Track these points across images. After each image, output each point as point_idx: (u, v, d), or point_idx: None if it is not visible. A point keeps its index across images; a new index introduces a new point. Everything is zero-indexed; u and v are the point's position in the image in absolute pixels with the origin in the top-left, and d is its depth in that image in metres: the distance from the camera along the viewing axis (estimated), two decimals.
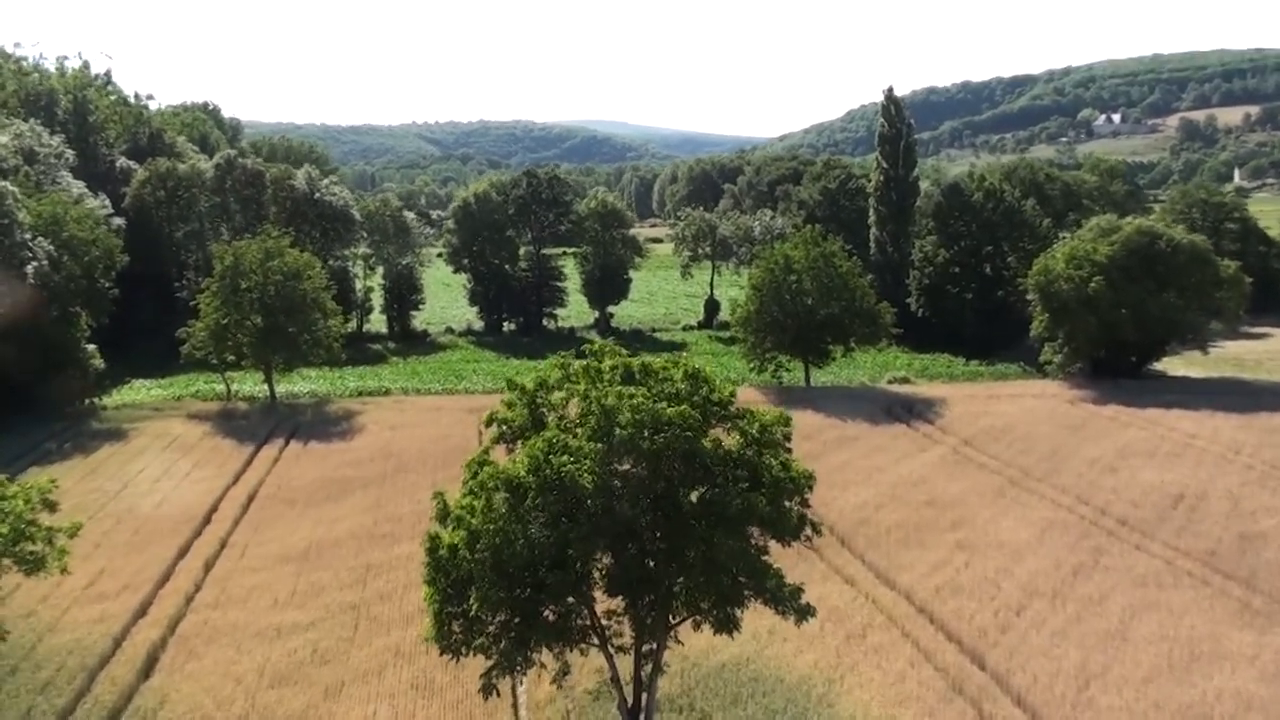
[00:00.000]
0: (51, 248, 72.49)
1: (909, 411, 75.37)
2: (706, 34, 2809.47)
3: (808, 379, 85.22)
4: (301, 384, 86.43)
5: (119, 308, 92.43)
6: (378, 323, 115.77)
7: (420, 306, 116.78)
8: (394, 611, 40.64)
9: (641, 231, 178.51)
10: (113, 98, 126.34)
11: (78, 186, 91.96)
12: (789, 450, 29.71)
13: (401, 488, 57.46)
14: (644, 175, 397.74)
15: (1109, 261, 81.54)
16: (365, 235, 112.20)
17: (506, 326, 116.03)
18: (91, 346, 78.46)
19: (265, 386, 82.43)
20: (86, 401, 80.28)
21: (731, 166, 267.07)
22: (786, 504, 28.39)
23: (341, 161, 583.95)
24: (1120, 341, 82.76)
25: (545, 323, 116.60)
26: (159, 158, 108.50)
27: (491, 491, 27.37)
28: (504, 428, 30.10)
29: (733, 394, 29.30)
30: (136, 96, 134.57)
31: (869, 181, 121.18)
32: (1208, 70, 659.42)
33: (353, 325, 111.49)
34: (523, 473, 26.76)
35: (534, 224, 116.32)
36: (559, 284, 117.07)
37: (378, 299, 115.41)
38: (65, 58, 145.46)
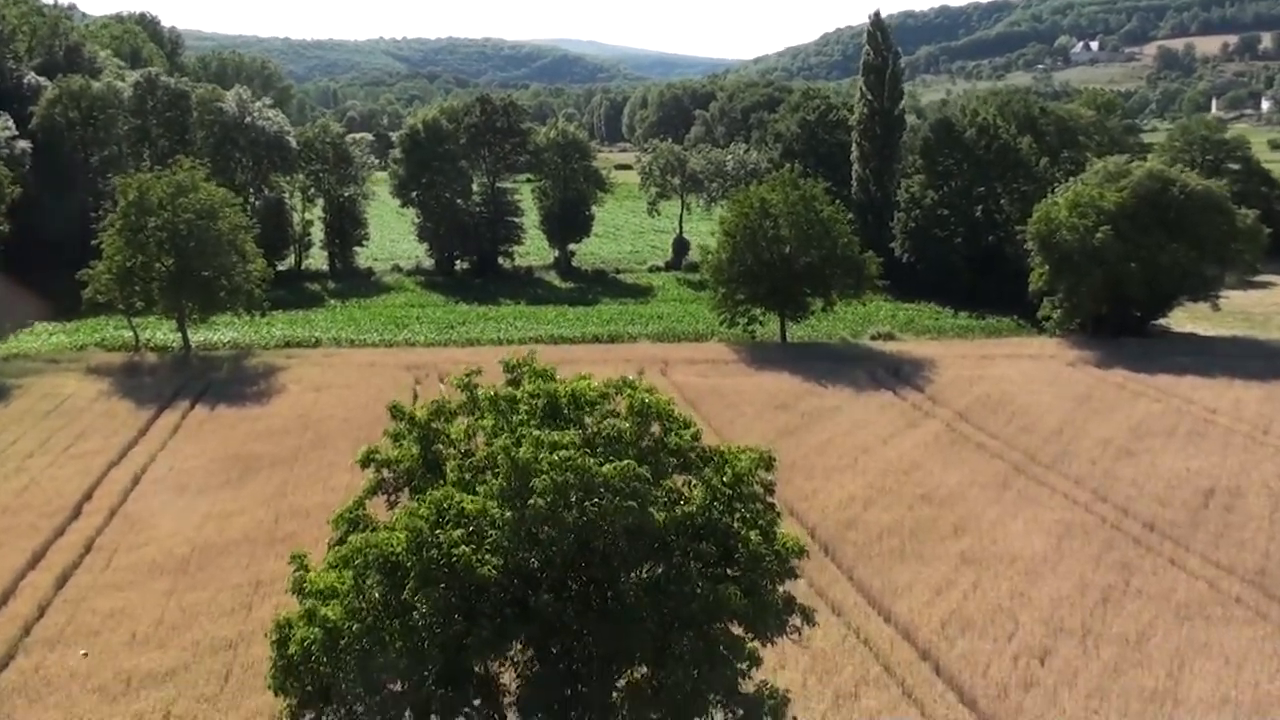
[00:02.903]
0: None
1: (896, 375, 67.88)
2: None
3: (783, 334, 77.47)
4: (223, 331, 77.78)
5: (26, 243, 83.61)
6: (318, 259, 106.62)
7: (364, 242, 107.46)
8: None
9: (611, 157, 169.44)
10: (25, 6, 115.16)
11: None
12: (772, 504, 22.01)
13: (315, 469, 49.51)
14: (614, 98, 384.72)
15: (1117, 209, 73.89)
16: (303, 164, 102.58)
17: (459, 265, 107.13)
18: None
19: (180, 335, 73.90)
20: None
21: (703, 92, 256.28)
22: (768, 585, 20.74)
23: (305, 78, 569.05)
24: (1126, 297, 75.36)
25: (501, 262, 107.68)
26: (74, 74, 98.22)
27: (360, 570, 19.59)
28: (385, 472, 22.22)
29: (696, 435, 21.47)
30: (55, 4, 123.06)
31: (850, 113, 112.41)
32: None
33: (290, 262, 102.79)
34: (400, 550, 18.99)
35: (488, 155, 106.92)
36: (515, 220, 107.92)
37: (318, 233, 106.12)
38: None
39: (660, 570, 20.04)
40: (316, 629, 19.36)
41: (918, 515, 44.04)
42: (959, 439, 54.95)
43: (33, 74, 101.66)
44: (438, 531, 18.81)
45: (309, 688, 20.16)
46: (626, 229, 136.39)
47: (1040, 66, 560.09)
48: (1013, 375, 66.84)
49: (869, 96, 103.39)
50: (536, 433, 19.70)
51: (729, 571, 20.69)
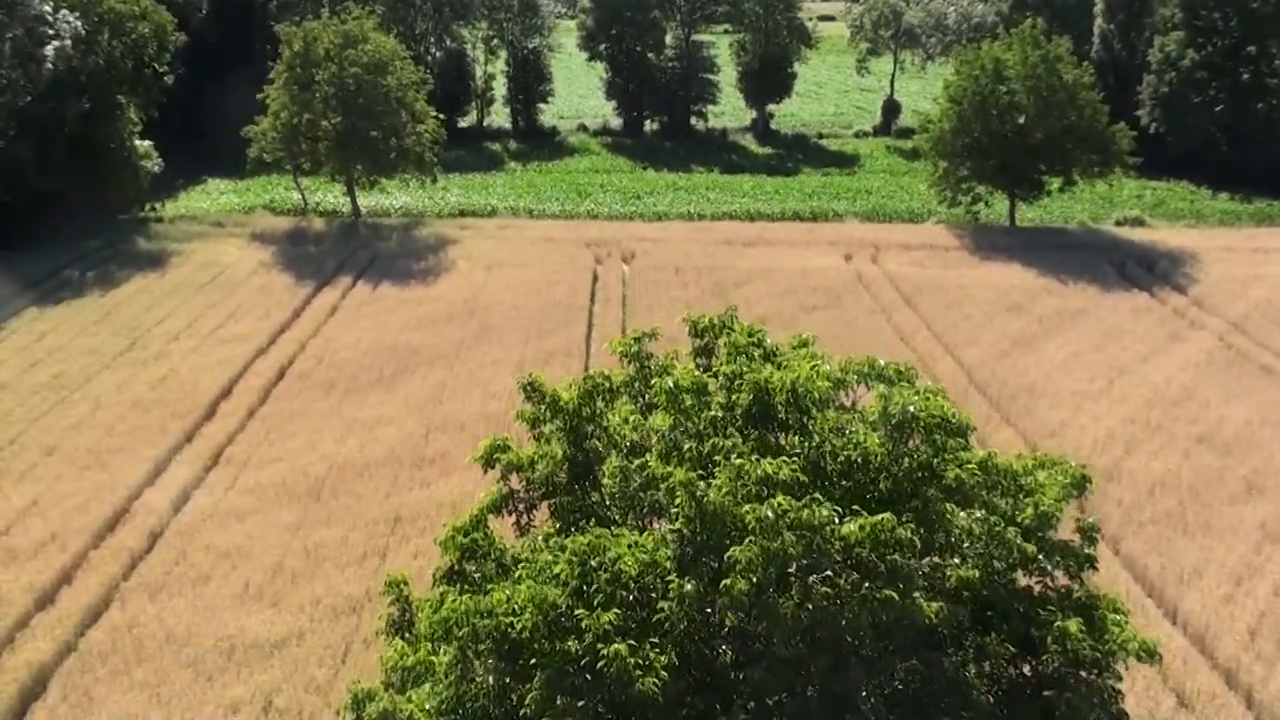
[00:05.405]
0: (80, 24, 58.87)
1: (1149, 271, 57.84)
2: None
3: (1013, 216, 67.65)
4: (396, 196, 72.50)
5: (202, 94, 79.63)
6: (501, 116, 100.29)
7: (549, 99, 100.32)
8: None
9: (814, 8, 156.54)
10: None
11: None
12: (1091, 556, 14.43)
13: (476, 369, 43.64)
14: None
15: None
16: (486, 12, 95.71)
17: (648, 126, 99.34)
18: (145, 144, 65.70)
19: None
20: (146, 208, 68.68)
21: None
22: (1094, 702, 13.30)
23: None
24: None
25: (693, 122, 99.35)
26: None
27: (467, 644, 12.99)
28: (517, 479, 15.43)
29: (985, 461, 13.87)
30: None
31: None
32: None
33: (471, 119, 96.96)
34: (525, 630, 12.28)
35: (684, 4, 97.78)
36: (710, 77, 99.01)
37: (500, 88, 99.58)
38: None
39: (919, 672, 12.79)
40: None
41: (1196, 465, 35.38)
42: (1238, 359, 45.37)
43: None
44: (578, 611, 11.99)
45: None
46: (830, 88, 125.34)
47: None
48: None
49: None
50: (738, 459, 12.47)
51: (1026, 673, 13.39)
